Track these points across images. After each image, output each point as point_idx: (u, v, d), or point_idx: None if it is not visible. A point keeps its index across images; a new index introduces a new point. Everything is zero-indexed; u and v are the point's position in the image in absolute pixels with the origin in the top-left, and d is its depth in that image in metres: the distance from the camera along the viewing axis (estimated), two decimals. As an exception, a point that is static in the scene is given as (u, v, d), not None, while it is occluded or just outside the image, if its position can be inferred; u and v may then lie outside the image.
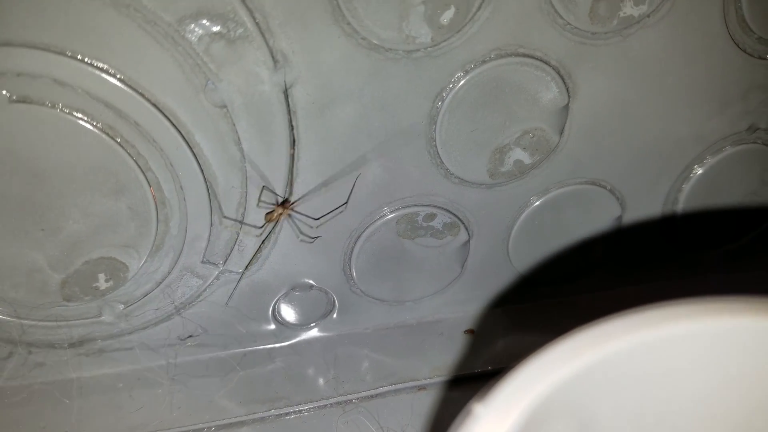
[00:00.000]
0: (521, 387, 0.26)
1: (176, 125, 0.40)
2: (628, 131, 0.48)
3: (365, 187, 0.46)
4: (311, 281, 0.50)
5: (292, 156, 0.43)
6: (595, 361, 0.27)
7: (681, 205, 0.54)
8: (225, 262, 0.47)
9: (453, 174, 0.47)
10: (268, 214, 0.45)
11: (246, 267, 0.48)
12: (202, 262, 0.47)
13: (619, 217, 0.53)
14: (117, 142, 0.39)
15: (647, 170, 0.51)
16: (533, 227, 0.51)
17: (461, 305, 0.55)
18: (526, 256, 0.53)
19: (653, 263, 0.58)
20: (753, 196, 0.55)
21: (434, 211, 0.48)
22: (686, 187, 0.53)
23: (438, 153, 0.45)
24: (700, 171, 0.52)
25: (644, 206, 0.53)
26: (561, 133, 0.47)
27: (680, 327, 0.28)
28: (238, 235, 0.46)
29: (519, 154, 0.47)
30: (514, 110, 0.45)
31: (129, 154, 0.40)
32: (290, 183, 0.44)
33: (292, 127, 0.42)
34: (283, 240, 0.47)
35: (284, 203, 0.45)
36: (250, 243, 0.47)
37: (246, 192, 0.44)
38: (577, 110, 0.46)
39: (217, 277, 0.48)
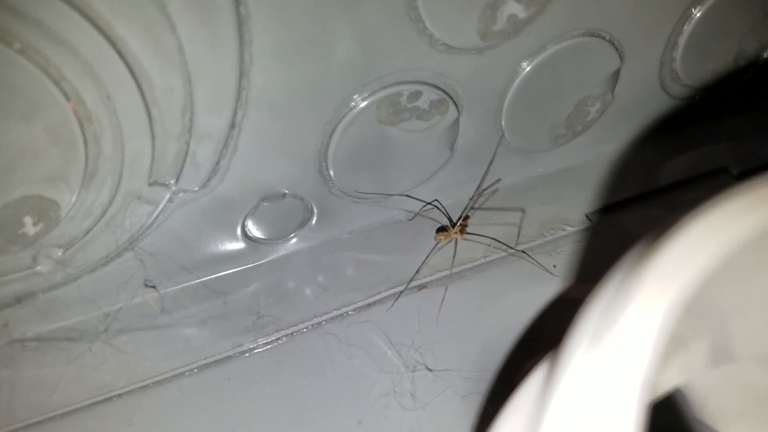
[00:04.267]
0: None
1: (90, 17, 0.30)
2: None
3: (336, 68, 0.38)
4: (283, 189, 0.43)
5: (241, 38, 0.34)
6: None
7: (680, 51, 0.48)
8: (177, 180, 0.39)
9: (439, 40, 0.39)
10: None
11: (204, 184, 0.40)
12: (150, 184, 0.38)
13: (617, 71, 0.47)
14: (15, 49, 0.29)
15: (647, 13, 0.45)
16: (527, 94, 0.45)
17: (453, 190, 0.49)
18: (520, 128, 0.47)
19: (651, 116, 0.53)
20: (753, 34, 0.50)
21: (419, 87, 0.41)
22: (686, 29, 0.47)
23: (421, 16, 0.37)
24: (699, 13, 0.46)
25: (643, 56, 0.47)
26: (560, -25, 0.39)
27: None
28: (188, 146, 0.37)
29: (513, 8, 0.39)
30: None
31: (34, 62, 0.30)
32: (243, 74, 0.35)
33: (237, 2, 0.32)
34: (245, 145, 0.39)
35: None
36: (205, 153, 0.38)
37: (191, 92, 0.35)
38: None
39: (170, 200, 0.40)
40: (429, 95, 0.41)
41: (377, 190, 0.46)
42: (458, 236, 0.46)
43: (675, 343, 0.29)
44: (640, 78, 0.49)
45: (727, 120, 0.56)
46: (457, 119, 0.44)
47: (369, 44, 0.37)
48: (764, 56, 0.52)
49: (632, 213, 0.50)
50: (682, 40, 0.47)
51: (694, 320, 0.28)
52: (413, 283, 0.45)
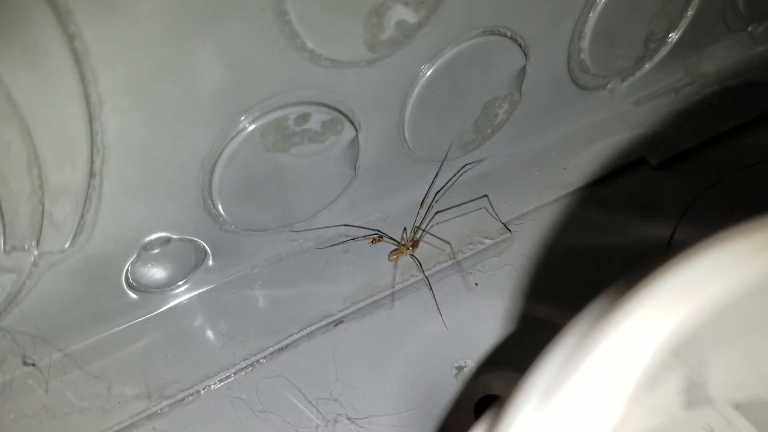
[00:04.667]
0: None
1: None
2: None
3: (205, 97, 0.33)
4: (166, 233, 0.38)
5: (83, 78, 0.29)
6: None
7: (588, 40, 0.45)
8: (38, 243, 0.34)
9: (321, 56, 0.35)
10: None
11: (71, 242, 0.35)
12: (7, 251, 0.33)
13: (523, 69, 0.44)
14: None
15: (549, 4, 0.42)
16: (430, 102, 0.41)
17: (365, 208, 0.46)
18: (425, 137, 0.44)
19: (563, 110, 0.50)
20: (662, 14, 0.48)
21: (307, 109, 0.37)
22: (592, 17, 0.44)
23: (296, 31, 0.33)
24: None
25: (549, 50, 0.45)
26: (448, -26, 0.35)
27: None
28: (43, 205, 0.32)
29: (401, 12, 0.35)
30: (386, -48, 0.32)
31: None
32: (94, 117, 0.30)
33: (70, 38, 0.27)
34: (111, 195, 0.34)
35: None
36: (64, 210, 0.33)
37: (33, 146, 0.30)
38: (464, -61, 0.34)
39: (35, 264, 0.35)
40: (320, 116, 0.37)
41: (276, 220, 0.42)
42: (411, 251, 0.44)
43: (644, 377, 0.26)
44: (548, 73, 0.46)
45: (642, 107, 0.54)
46: (356, 137, 0.40)
47: (241, 67, 0.33)
48: (674, 37, 0.51)
49: (553, 214, 0.47)
50: (589, 29, 0.45)
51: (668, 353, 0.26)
52: (326, 320, 0.41)
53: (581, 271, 0.43)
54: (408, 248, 0.44)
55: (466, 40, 0.40)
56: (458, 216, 0.46)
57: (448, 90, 0.42)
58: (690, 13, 0.49)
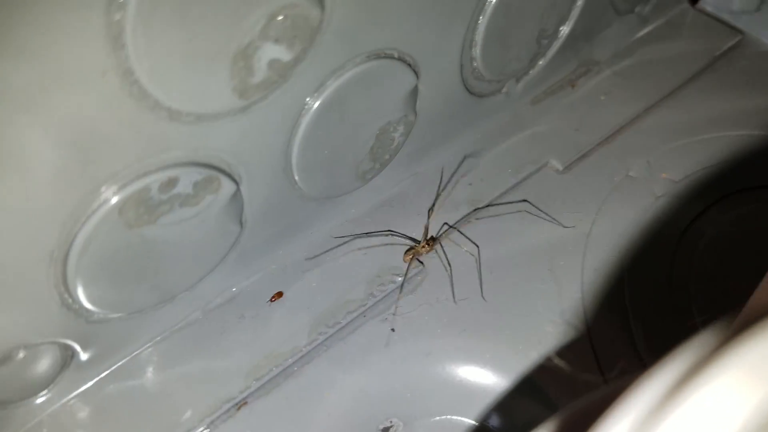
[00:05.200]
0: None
1: None
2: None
3: (46, 182, 0.26)
4: (18, 343, 0.31)
5: None
6: None
7: (479, 47, 0.42)
8: None
9: (182, 112, 0.29)
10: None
11: None
12: None
13: (415, 88, 0.40)
14: None
15: (434, 17, 0.37)
16: (318, 138, 0.36)
17: (259, 262, 0.40)
18: (318, 176, 0.39)
19: (462, 122, 0.47)
20: (552, 10, 0.45)
21: (172, 173, 0.31)
22: (482, 22, 0.41)
23: (146, 90, 0.27)
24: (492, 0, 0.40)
25: (440, 64, 0.41)
26: (321, 2, 0.30)
27: None
28: None
29: (272, 51, 0.30)
30: (246, -13, 0.27)
31: None
32: None
33: None
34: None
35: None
36: None
37: None
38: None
39: None
40: (189, 177, 0.31)
41: (153, 297, 0.36)
42: (426, 250, 0.42)
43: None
44: (442, 87, 0.42)
45: (539, 105, 0.51)
46: (237, 191, 0.34)
47: (85, 142, 0.27)
48: (566, 29, 0.48)
49: (466, 235, 0.44)
50: (479, 35, 0.41)
51: None
52: (227, 405, 0.36)
53: (504, 293, 0.41)
54: (424, 247, 0.41)
55: (351, 67, 0.35)
56: (369, 248, 0.42)
57: (337, 122, 0.37)
58: (579, 3, 0.47)
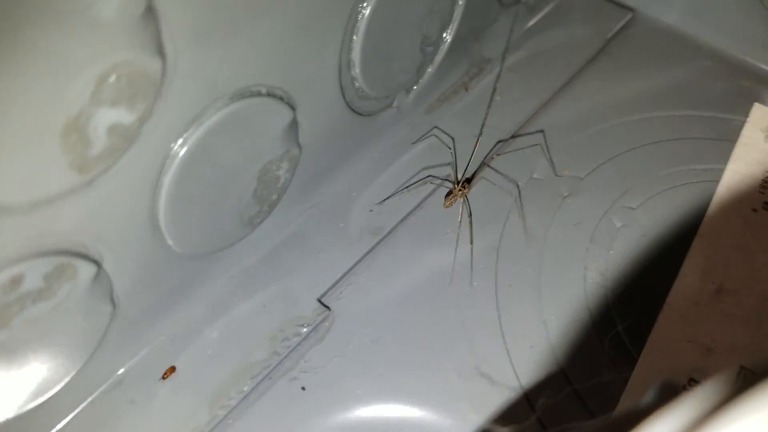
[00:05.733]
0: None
1: None
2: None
3: None
4: None
5: None
6: None
7: (359, 66, 0.39)
8: None
9: (11, 203, 0.25)
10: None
11: None
12: None
13: (294, 121, 0.36)
14: None
15: (300, 42, 0.34)
16: (186, 197, 0.32)
17: (139, 343, 0.36)
18: (193, 236, 0.35)
19: (353, 146, 0.44)
20: (433, 15, 0.42)
21: (13, 271, 0.26)
22: (357, 40, 0.38)
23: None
24: (366, 11, 0.37)
25: (318, 91, 0.37)
26: (160, 50, 0.26)
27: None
28: None
29: (110, 116, 0.26)
30: (61, 47, 0.23)
31: None
32: None
33: None
34: None
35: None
36: None
37: None
38: (166, 5, 0.25)
39: None
40: (37, 270, 0.27)
41: (26, 398, 0.31)
42: (464, 192, 0.43)
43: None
44: (325, 114, 0.39)
45: (434, 114, 0.49)
46: (99, 270, 0.30)
47: None
48: (450, 31, 0.46)
49: (372, 270, 0.41)
50: (356, 55, 0.38)
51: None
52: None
53: (421, 327, 0.38)
54: (461, 190, 0.43)
55: (213, 113, 0.31)
56: (266, 306, 0.39)
57: (208, 173, 0.33)
58: (461, 2, 0.45)
